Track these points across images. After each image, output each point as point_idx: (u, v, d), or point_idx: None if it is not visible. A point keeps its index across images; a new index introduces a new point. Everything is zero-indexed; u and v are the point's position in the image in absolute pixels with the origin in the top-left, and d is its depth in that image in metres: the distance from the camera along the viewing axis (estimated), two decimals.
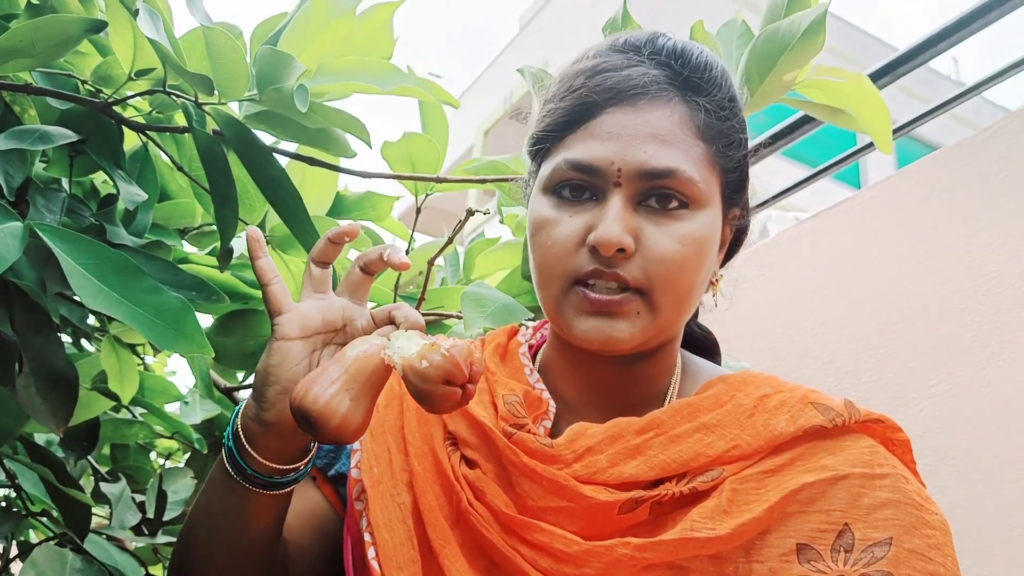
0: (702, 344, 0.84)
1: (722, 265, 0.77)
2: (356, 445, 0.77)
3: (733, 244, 0.78)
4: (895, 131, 2.21)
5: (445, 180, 0.95)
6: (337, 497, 0.80)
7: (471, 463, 0.72)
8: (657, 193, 0.67)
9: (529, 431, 0.71)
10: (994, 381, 1.54)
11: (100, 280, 0.73)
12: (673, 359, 0.76)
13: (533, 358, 0.82)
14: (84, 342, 1.41)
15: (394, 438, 0.76)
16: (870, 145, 2.40)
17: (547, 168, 0.70)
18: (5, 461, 1.04)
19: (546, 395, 0.75)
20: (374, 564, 0.69)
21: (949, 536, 0.63)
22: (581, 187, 0.68)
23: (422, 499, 0.71)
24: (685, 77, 0.69)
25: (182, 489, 1.32)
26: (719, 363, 0.85)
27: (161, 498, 1.24)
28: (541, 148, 0.72)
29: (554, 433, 0.73)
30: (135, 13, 0.71)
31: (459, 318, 1.14)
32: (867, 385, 1.77)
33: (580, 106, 0.69)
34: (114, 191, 1.11)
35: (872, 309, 1.82)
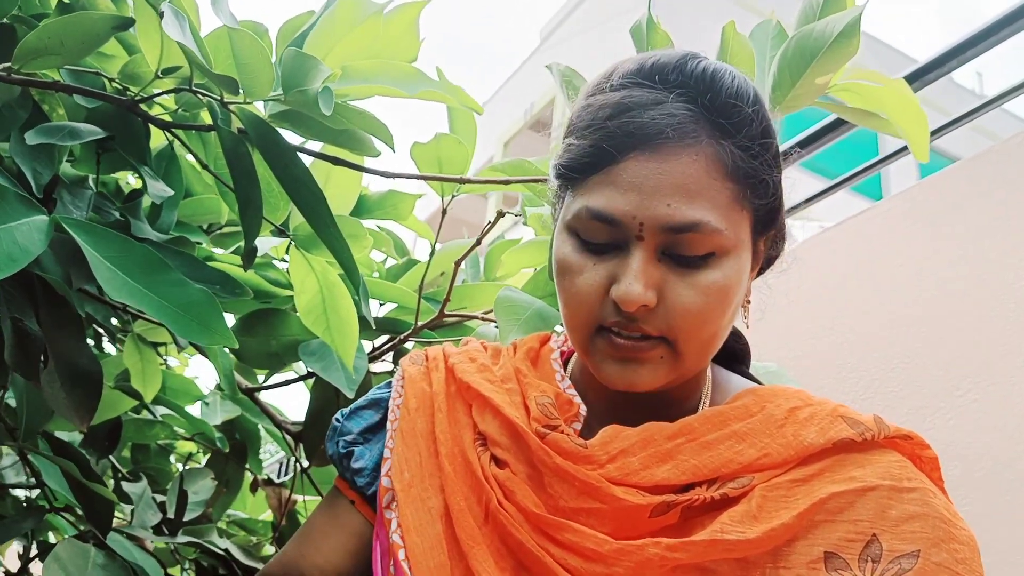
0: (732, 350, 0.83)
1: (758, 275, 0.77)
2: (386, 453, 0.78)
3: (768, 258, 0.77)
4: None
5: (469, 181, 0.95)
6: (371, 511, 0.80)
7: (501, 463, 0.73)
8: (681, 245, 0.65)
9: (562, 431, 0.71)
10: (1021, 391, 1.52)
11: (125, 273, 0.74)
12: (703, 379, 0.76)
13: (564, 364, 0.82)
14: (107, 344, 1.43)
15: (425, 441, 0.77)
16: (890, 156, 2.39)
17: (571, 206, 0.69)
18: (31, 457, 1.05)
19: (577, 399, 0.75)
20: (404, 566, 0.70)
21: (977, 552, 0.63)
22: (604, 235, 0.67)
23: (452, 500, 0.72)
24: (714, 113, 0.66)
25: (202, 490, 1.32)
26: (748, 368, 0.84)
27: (181, 498, 1.24)
28: (565, 177, 0.71)
29: (584, 437, 0.72)
30: (160, 15, 0.72)
31: (483, 319, 1.14)
32: (892, 394, 1.76)
33: (601, 150, 0.67)
34: (138, 189, 1.12)
35: (897, 318, 1.80)
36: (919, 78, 1.89)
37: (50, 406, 0.89)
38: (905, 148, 2.34)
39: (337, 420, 0.85)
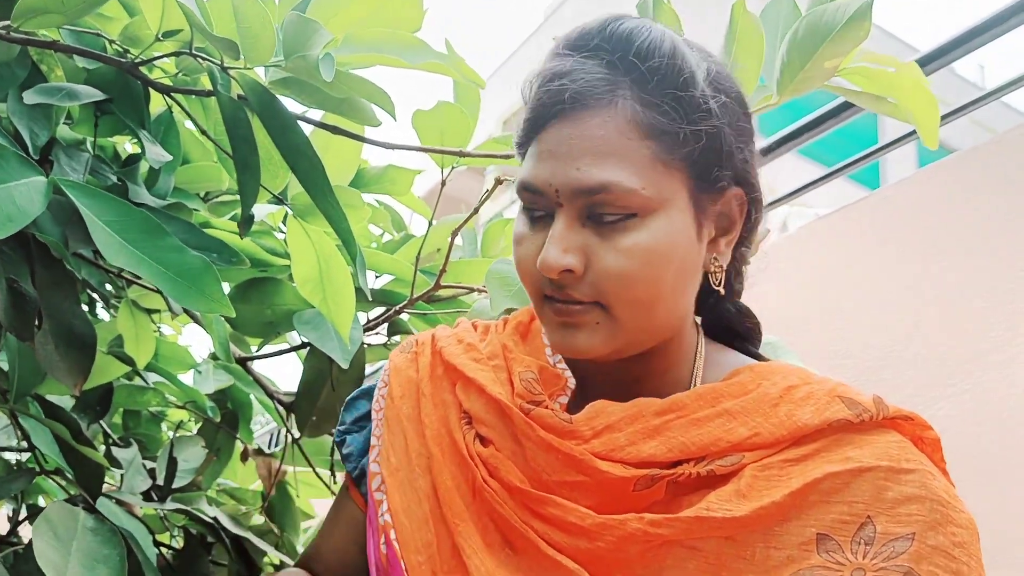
0: (734, 329, 0.81)
1: (741, 245, 0.75)
2: (373, 441, 0.80)
3: (751, 219, 0.74)
4: (914, 133, 2.19)
5: (469, 154, 0.95)
6: (362, 498, 0.83)
7: (486, 441, 0.73)
8: (598, 208, 0.65)
9: (547, 406, 0.71)
10: (1015, 381, 1.53)
11: (123, 237, 0.73)
12: (682, 352, 0.75)
13: None
14: (101, 312, 1.42)
15: (412, 424, 0.78)
16: (888, 145, 2.38)
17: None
18: (21, 419, 1.04)
19: (567, 372, 0.76)
20: (395, 545, 0.72)
21: (975, 536, 0.62)
22: (536, 204, 0.69)
23: (438, 479, 0.73)
24: (631, 71, 0.66)
25: (192, 458, 1.32)
26: (758, 348, 0.83)
27: (171, 465, 1.24)
28: (519, 153, 0.73)
29: (571, 411, 0.72)
30: None
31: (478, 291, 1.14)
32: (886, 383, 1.76)
33: (531, 120, 0.69)
34: (136, 154, 1.11)
35: (892, 307, 1.81)
36: (921, 67, 1.88)
37: (43, 368, 0.89)
38: (903, 137, 2.33)
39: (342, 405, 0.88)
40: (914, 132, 2.17)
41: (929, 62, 1.89)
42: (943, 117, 2.08)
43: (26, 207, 0.72)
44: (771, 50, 0.78)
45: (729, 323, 0.80)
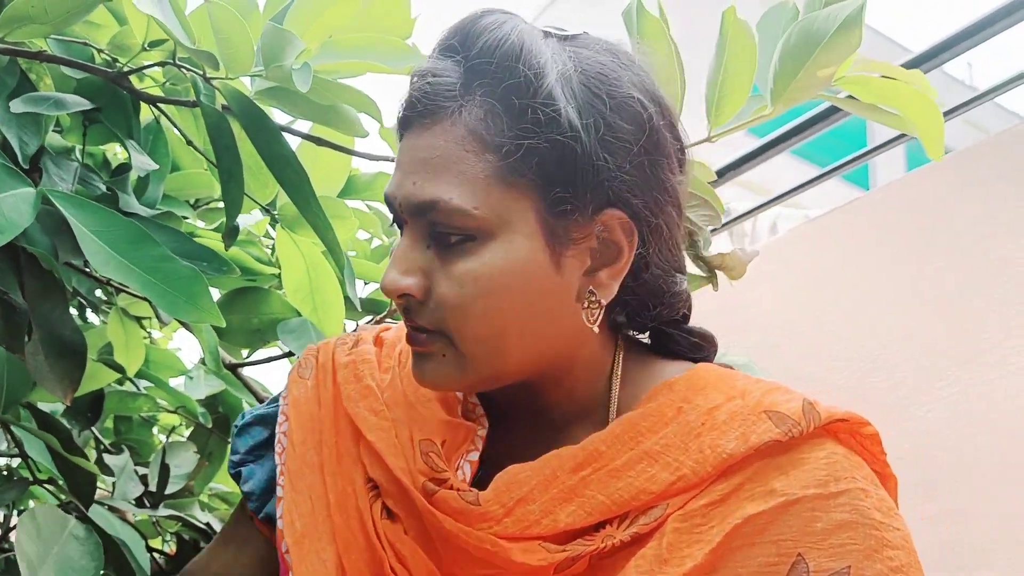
0: (684, 347, 0.72)
1: (653, 269, 0.65)
2: (279, 491, 0.70)
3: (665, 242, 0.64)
4: (904, 135, 2.19)
5: None
6: (273, 535, 0.73)
7: (395, 514, 0.66)
8: (437, 228, 0.59)
9: (451, 486, 0.62)
10: (1006, 384, 1.54)
11: (112, 248, 0.73)
12: (590, 376, 0.67)
13: None
14: (91, 316, 1.42)
15: (317, 480, 0.69)
16: (881, 146, 2.39)
17: None
18: (13, 428, 1.04)
19: (479, 409, 0.69)
20: None
21: (913, 553, 0.58)
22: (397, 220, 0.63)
23: (345, 555, 0.65)
24: (478, 76, 0.59)
25: (184, 463, 1.32)
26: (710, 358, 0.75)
27: (164, 471, 1.24)
28: None
29: (488, 456, 0.66)
30: None
31: None
32: (876, 385, 1.77)
33: (396, 124, 0.63)
34: (126, 163, 1.11)
35: (883, 309, 1.81)
36: (910, 69, 1.89)
37: (33, 378, 0.89)
38: (894, 139, 2.34)
39: (234, 429, 0.78)
40: (899, 136, 2.18)
41: (921, 63, 1.89)
42: None
43: (15, 218, 0.72)
44: (768, 59, 0.75)
45: (676, 343, 0.72)
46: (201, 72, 0.80)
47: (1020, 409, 1.51)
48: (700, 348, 0.72)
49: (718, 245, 0.83)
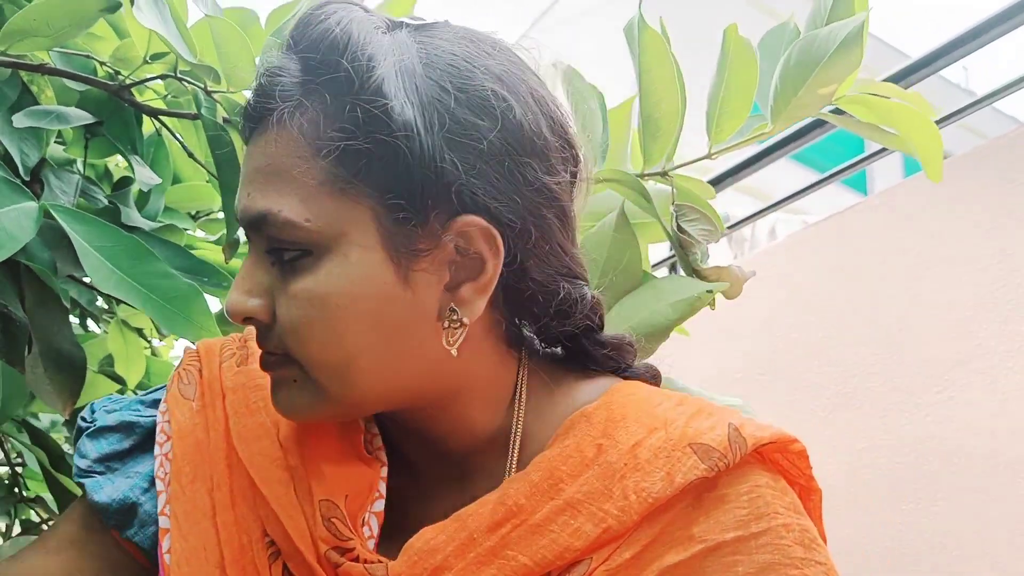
0: (598, 359, 0.66)
1: (534, 275, 0.58)
2: (163, 523, 0.61)
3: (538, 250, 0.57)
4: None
5: None
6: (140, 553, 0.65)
7: None
8: (273, 243, 0.54)
9: (357, 556, 0.56)
10: (1001, 387, 1.54)
11: (113, 263, 0.74)
12: (488, 402, 0.61)
13: None
14: (91, 324, 1.42)
15: (209, 527, 0.61)
16: (879, 152, 2.40)
17: None
18: (12, 440, 1.04)
19: (380, 452, 0.62)
20: None
21: None
22: None
23: None
24: (309, 74, 0.54)
25: None
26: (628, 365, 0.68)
27: None
28: None
29: (393, 504, 0.61)
30: (132, 1, 0.71)
31: None
32: (872, 389, 1.78)
33: (242, 134, 0.58)
34: (127, 174, 1.11)
35: (879, 313, 1.82)
36: (908, 75, 1.90)
37: (33, 391, 0.89)
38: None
39: (82, 424, 0.67)
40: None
41: (918, 69, 1.90)
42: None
43: (17, 233, 0.72)
44: (768, 76, 0.75)
45: (578, 356, 0.65)
46: (203, 85, 0.80)
47: (1015, 412, 1.52)
48: (615, 360, 0.65)
49: (717, 251, 0.83)
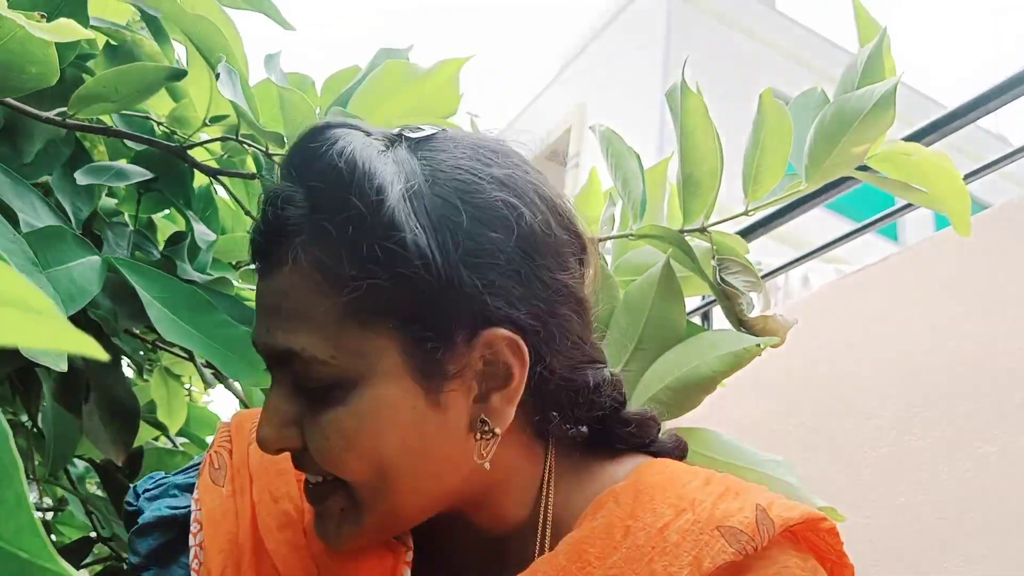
0: (623, 437, 0.66)
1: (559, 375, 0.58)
2: None
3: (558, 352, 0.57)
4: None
5: None
6: None
7: None
8: (300, 376, 0.54)
9: None
10: None
11: (175, 314, 0.77)
12: (518, 496, 0.61)
13: None
14: (127, 369, 1.45)
15: None
16: (908, 206, 2.40)
17: None
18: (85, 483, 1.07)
19: (408, 541, 0.62)
20: None
21: None
22: None
23: None
24: (317, 207, 0.53)
25: None
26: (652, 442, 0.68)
27: None
28: None
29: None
30: (217, 75, 0.75)
31: None
32: (909, 445, 1.76)
33: (252, 260, 0.58)
34: (173, 227, 1.15)
35: (916, 367, 1.81)
36: (943, 126, 1.91)
37: (89, 438, 0.92)
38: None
39: (127, 508, 0.68)
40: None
41: (953, 120, 1.91)
42: (968, 176, 2.10)
43: (85, 286, 0.75)
44: (800, 139, 0.78)
45: (604, 436, 0.65)
46: (263, 148, 0.84)
47: None
48: (640, 436, 0.66)
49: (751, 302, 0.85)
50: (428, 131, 0.58)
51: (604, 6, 13.15)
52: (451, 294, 0.52)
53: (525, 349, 0.54)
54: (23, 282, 0.21)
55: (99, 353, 0.20)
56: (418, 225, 0.51)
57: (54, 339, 0.21)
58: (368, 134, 0.56)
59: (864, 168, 0.80)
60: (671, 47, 10.68)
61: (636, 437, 0.65)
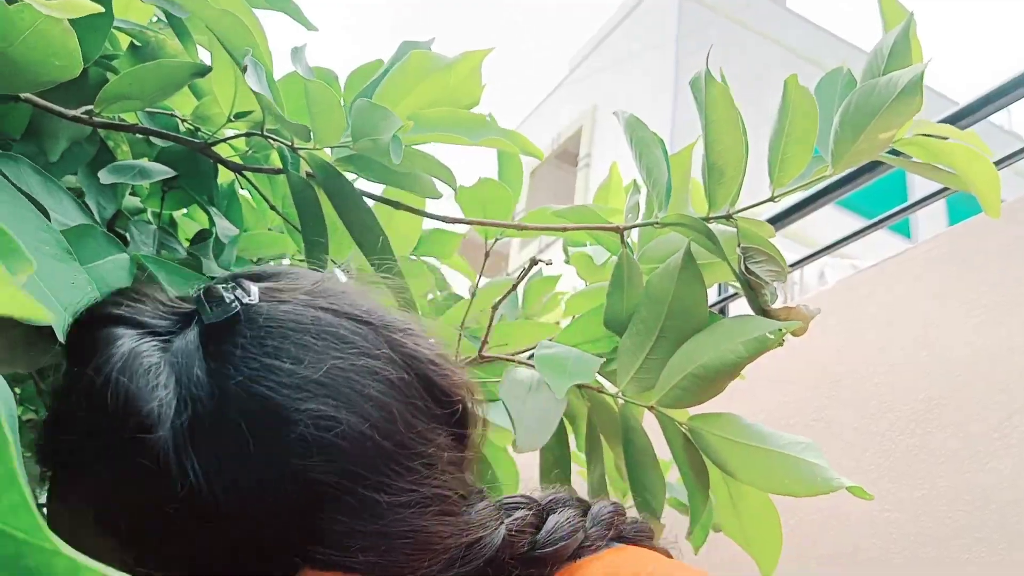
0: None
1: None
2: None
3: None
4: (945, 190, 2.21)
5: (527, 228, 0.97)
6: None
7: None
8: None
9: None
10: None
11: None
12: None
13: None
14: None
15: None
16: (925, 199, 2.39)
17: None
18: None
19: None
20: None
21: None
22: None
23: None
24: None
25: None
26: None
27: None
28: None
29: None
30: (244, 69, 0.75)
31: (517, 362, 1.16)
32: (930, 435, 1.76)
33: None
34: (195, 225, 1.16)
35: (936, 360, 1.80)
36: (957, 120, 1.91)
37: None
38: (939, 192, 2.34)
39: None
40: (944, 188, 2.18)
41: (966, 115, 1.91)
42: None
43: (114, 283, 0.75)
44: (826, 122, 0.77)
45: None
46: (289, 142, 0.84)
47: None
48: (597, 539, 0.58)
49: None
50: (231, 309, 0.49)
51: (614, 6, 13.15)
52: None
53: None
54: None
55: (44, 316, 0.20)
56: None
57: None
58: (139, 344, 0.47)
59: (893, 152, 0.79)
60: (682, 47, 10.67)
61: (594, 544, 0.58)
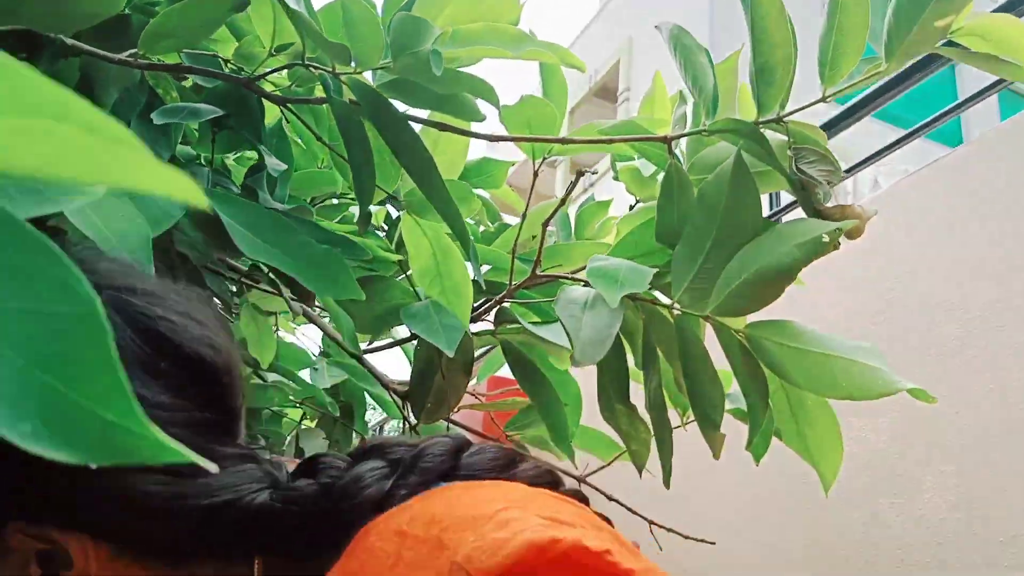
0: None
1: None
2: None
3: None
4: (995, 85, 2.13)
5: (572, 141, 0.97)
6: None
7: None
8: None
9: None
10: None
11: (258, 236, 0.79)
12: None
13: None
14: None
15: None
16: (969, 100, 2.32)
17: None
18: None
19: None
20: None
21: None
22: None
23: None
24: None
25: (315, 448, 1.39)
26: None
27: (299, 455, 1.31)
28: None
29: None
30: None
31: (572, 279, 1.17)
32: (984, 336, 1.74)
33: None
34: (256, 163, 1.17)
35: (990, 260, 1.77)
36: (1012, 10, 1.84)
37: None
38: (985, 89, 2.26)
39: None
40: (996, 83, 2.11)
41: (1021, 3, 1.84)
42: None
43: (170, 210, 0.77)
44: (878, 16, 0.75)
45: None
46: (331, 69, 0.85)
47: None
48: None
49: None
50: None
51: None
52: None
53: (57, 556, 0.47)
54: (86, 105, 0.19)
55: (198, 196, 0.18)
56: None
57: (132, 172, 0.18)
58: None
59: (949, 44, 0.77)
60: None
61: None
